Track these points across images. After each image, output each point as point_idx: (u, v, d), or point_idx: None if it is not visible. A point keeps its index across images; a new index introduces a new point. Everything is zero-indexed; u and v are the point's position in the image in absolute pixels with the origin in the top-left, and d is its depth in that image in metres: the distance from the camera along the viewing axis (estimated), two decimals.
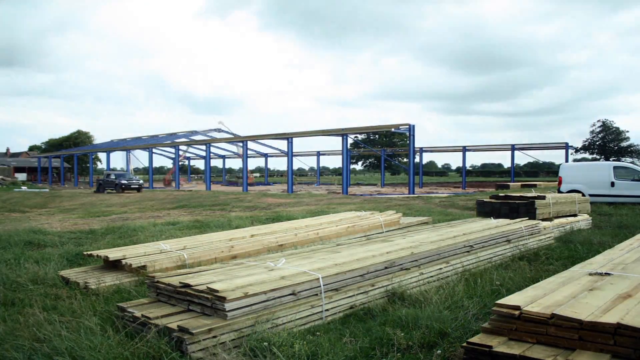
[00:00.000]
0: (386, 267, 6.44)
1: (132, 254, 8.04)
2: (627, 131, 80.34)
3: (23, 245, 10.57)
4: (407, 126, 32.93)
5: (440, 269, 7.30)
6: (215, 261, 8.17)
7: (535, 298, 4.33)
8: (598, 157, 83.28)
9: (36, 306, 6.04)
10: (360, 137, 50.69)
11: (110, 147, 62.82)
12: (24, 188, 45.78)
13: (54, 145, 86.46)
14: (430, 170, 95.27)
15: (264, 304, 4.98)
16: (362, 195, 32.86)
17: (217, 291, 4.82)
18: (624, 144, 79.84)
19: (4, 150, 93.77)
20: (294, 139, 42.01)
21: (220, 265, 6.53)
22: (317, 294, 5.49)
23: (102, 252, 8.17)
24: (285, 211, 19.15)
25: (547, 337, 3.88)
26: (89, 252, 8.41)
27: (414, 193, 33.35)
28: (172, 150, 56.82)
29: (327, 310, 5.53)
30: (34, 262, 8.47)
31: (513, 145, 50.46)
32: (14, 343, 4.69)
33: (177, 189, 47.64)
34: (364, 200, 27.03)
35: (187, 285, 5.18)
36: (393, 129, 32.78)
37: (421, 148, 55.51)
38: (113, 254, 8.01)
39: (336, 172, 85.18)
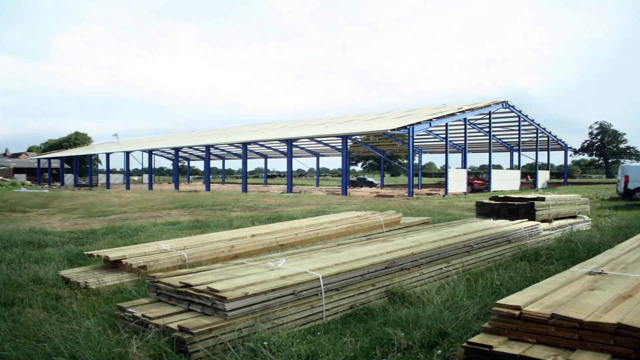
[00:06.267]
0: (386, 267, 6.44)
1: (132, 253, 8.05)
2: (624, 133, 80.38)
3: (23, 245, 10.58)
4: (406, 128, 32.94)
5: (441, 268, 7.31)
6: (215, 261, 8.18)
7: (535, 298, 4.33)
8: (597, 158, 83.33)
9: (37, 306, 6.05)
10: (359, 138, 50.63)
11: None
12: (23, 189, 45.69)
13: (53, 147, 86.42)
14: (430, 171, 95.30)
15: (264, 304, 4.98)
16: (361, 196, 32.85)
17: (217, 291, 4.82)
18: (622, 145, 79.90)
19: (3, 151, 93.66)
20: (297, 138, 42.09)
21: (221, 265, 6.53)
22: (317, 294, 5.49)
23: (103, 252, 8.18)
24: (286, 211, 19.15)
25: (548, 337, 3.88)
26: (89, 252, 8.41)
27: (413, 195, 33.37)
28: (172, 151, 56.86)
29: (327, 310, 5.54)
30: (34, 262, 8.47)
31: (512, 147, 50.47)
32: (14, 342, 4.69)
33: (177, 190, 47.65)
34: (364, 200, 27.03)
35: (188, 285, 5.18)
36: (392, 130, 32.74)
37: (420, 149, 55.56)
38: (113, 254, 8.02)
39: (336, 173, 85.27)
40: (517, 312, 4.02)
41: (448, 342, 4.65)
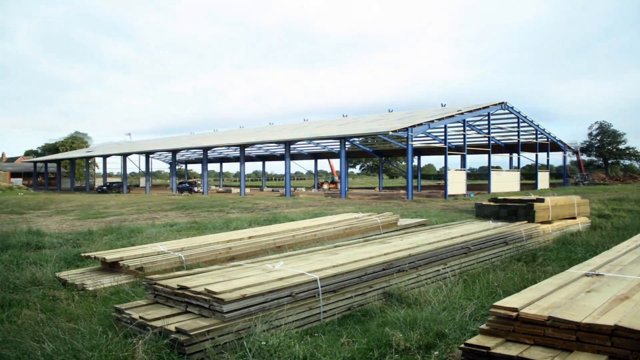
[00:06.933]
0: (384, 269, 6.44)
1: (129, 255, 8.03)
2: (624, 133, 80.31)
3: (21, 246, 10.54)
4: (406, 129, 32.94)
5: (438, 270, 7.30)
6: (213, 263, 8.17)
7: (532, 300, 4.33)
8: (595, 159, 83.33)
9: (34, 308, 6.03)
10: (358, 140, 50.62)
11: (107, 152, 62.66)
12: (20, 194, 45.51)
13: (50, 150, 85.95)
14: (429, 173, 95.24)
15: (262, 305, 4.98)
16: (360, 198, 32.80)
17: (215, 293, 4.81)
18: (622, 146, 79.95)
19: None
20: (295, 140, 42.08)
21: (218, 267, 6.52)
22: (315, 296, 5.48)
23: (100, 254, 8.17)
24: (283, 213, 19.14)
25: (545, 339, 3.87)
26: (86, 254, 8.39)
27: (412, 197, 33.33)
28: (169, 154, 56.70)
29: (325, 311, 5.53)
30: (32, 264, 8.44)
31: (511, 148, 50.49)
32: (14, 343, 4.67)
33: (175, 193, 47.63)
34: (363, 202, 27.01)
35: (185, 288, 5.17)
36: (391, 132, 32.73)
37: (419, 151, 55.49)
38: (110, 255, 8.00)
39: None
40: (514, 314, 4.02)
41: (445, 344, 4.65)
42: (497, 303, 4.24)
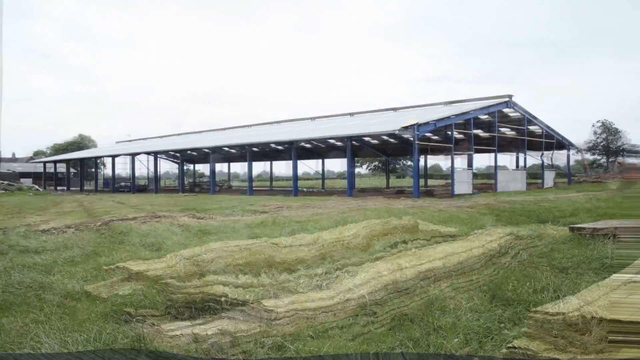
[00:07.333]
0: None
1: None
2: (628, 132, 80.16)
3: (22, 248, 10.43)
4: (412, 128, 32.85)
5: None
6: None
7: (577, 304, 4.30)
8: (599, 157, 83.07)
9: (36, 309, 5.93)
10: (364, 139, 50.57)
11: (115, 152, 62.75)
12: (29, 194, 45.61)
13: (58, 150, 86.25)
14: (435, 172, 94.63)
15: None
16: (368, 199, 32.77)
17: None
18: (626, 145, 79.82)
19: (10, 155, 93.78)
20: (301, 140, 42.07)
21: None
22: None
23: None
24: (297, 215, 19.00)
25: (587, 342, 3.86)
26: (99, 262, 8.28)
27: (419, 196, 33.19)
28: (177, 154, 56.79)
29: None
30: (37, 266, 8.33)
31: (517, 146, 50.23)
32: (14, 344, 4.62)
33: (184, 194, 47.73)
34: (374, 204, 26.93)
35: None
36: (397, 132, 32.68)
37: (426, 150, 55.34)
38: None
39: (341, 176, 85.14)
40: (557, 318, 4.00)
41: (489, 346, 4.61)
42: (539, 308, 4.24)
